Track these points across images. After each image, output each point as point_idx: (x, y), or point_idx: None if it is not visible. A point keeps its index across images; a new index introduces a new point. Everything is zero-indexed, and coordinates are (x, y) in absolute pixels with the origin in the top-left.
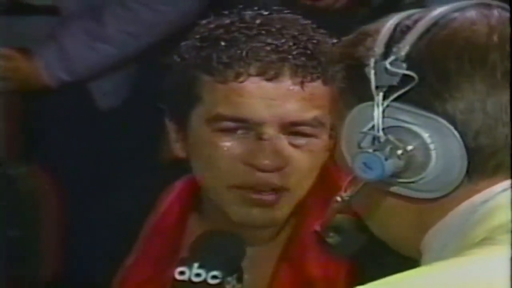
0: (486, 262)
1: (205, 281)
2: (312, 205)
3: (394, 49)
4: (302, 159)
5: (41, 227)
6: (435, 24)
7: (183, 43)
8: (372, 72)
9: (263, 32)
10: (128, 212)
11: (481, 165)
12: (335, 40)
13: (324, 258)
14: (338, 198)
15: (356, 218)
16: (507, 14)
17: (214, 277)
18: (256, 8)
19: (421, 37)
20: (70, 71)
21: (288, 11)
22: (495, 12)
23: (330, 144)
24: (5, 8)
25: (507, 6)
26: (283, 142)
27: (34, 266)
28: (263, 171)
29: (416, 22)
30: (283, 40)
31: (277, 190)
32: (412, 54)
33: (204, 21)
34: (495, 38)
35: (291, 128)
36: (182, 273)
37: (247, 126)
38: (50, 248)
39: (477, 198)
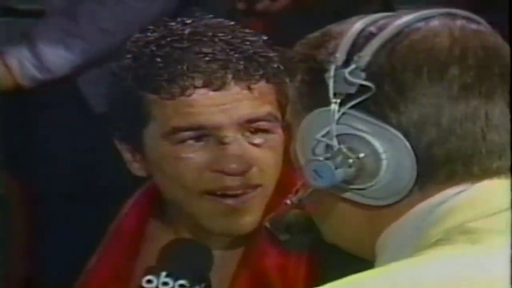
0: (440, 262)
1: None
2: (270, 209)
3: (355, 58)
4: (266, 157)
5: (9, 232)
6: (398, 33)
7: (115, 65)
8: (331, 79)
9: (195, 42)
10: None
11: (433, 175)
12: (265, 37)
13: (283, 262)
14: (288, 201)
15: (307, 214)
16: (472, 26)
17: (181, 286)
18: (179, 19)
19: (382, 46)
20: (43, 70)
21: (211, 15)
22: (459, 23)
23: (285, 138)
24: None
25: (473, 17)
26: (245, 143)
27: (1, 269)
28: (232, 175)
29: (380, 29)
30: (218, 48)
31: (250, 189)
32: (372, 64)
33: (132, 38)
34: (456, 51)
35: (248, 127)
36: (149, 281)
37: (206, 133)
38: (16, 252)
39: (433, 199)
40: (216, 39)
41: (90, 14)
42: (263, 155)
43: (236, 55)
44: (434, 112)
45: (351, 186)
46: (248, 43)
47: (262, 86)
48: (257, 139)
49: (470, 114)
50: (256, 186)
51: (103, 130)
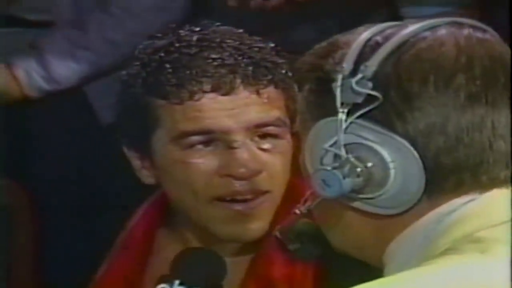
0: (449, 271)
1: None
2: (278, 217)
3: (362, 67)
4: (275, 162)
5: (14, 243)
6: (404, 43)
7: (123, 73)
8: (339, 89)
9: (204, 48)
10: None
11: (441, 184)
12: (272, 44)
13: (290, 271)
14: (297, 211)
15: (317, 224)
16: (478, 34)
17: None
18: (187, 26)
19: (389, 56)
20: (50, 81)
21: (218, 23)
22: (465, 32)
23: (294, 144)
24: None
25: (480, 25)
26: (253, 148)
27: (2, 280)
28: (241, 179)
29: (387, 39)
30: (226, 53)
31: (259, 195)
32: (379, 73)
33: (140, 46)
34: (462, 60)
35: (257, 132)
36: None
37: (215, 138)
38: (22, 263)
39: (442, 209)
40: (224, 45)
41: (98, 25)
42: (272, 160)
43: (244, 60)
44: (441, 121)
45: (360, 196)
46: (256, 49)
47: (270, 91)
48: (266, 144)
49: (477, 123)
50: (265, 192)
51: (111, 139)
